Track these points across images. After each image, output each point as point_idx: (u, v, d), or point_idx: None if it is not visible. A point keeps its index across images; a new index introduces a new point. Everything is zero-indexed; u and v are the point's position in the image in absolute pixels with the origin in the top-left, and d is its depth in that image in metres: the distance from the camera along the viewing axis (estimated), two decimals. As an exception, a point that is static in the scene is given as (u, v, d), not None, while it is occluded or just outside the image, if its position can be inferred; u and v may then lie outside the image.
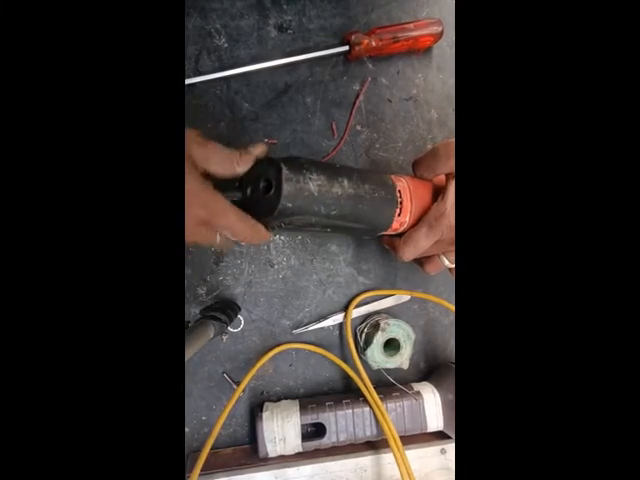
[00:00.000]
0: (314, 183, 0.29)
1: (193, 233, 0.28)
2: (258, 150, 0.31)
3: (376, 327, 0.43)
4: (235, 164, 0.29)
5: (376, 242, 0.46)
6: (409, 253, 0.35)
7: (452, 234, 0.32)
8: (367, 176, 0.32)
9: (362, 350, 0.43)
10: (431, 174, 0.35)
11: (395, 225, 0.34)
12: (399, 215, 0.34)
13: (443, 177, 0.35)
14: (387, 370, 0.43)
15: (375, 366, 0.42)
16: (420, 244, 0.34)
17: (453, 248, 0.35)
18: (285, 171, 0.28)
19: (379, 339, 0.42)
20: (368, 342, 0.43)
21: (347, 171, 0.32)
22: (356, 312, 0.46)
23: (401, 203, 0.34)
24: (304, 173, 0.29)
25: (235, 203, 0.30)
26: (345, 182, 0.30)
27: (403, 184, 0.34)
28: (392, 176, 0.35)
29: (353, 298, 0.45)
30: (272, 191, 0.28)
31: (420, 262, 0.40)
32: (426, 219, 0.33)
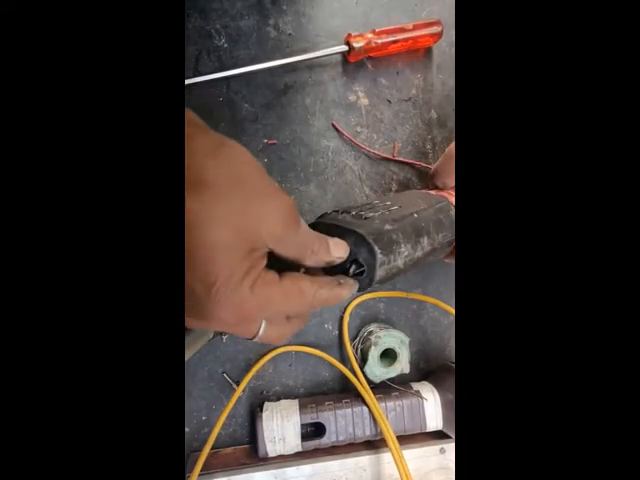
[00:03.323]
0: (402, 256, 0.27)
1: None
2: (339, 252, 0.25)
3: (368, 342, 0.43)
4: (308, 254, 0.23)
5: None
6: None
7: None
8: (439, 221, 0.31)
9: (361, 367, 0.43)
10: (453, 179, 0.32)
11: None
12: None
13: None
14: (391, 379, 0.43)
15: (378, 380, 0.43)
16: None
17: None
18: (380, 256, 0.25)
19: (374, 354, 0.42)
20: (364, 359, 0.43)
21: (425, 221, 0.30)
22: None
23: None
24: (394, 250, 0.26)
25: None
26: (425, 241, 0.29)
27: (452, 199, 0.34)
28: (447, 197, 0.34)
29: (351, 301, 0.45)
30: (364, 275, 0.26)
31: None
32: None
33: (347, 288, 0.25)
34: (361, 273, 0.26)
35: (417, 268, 0.31)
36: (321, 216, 0.30)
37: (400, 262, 0.27)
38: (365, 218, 0.28)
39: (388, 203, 0.31)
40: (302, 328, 0.28)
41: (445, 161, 0.33)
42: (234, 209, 0.19)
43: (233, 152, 0.20)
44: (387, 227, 0.27)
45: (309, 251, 0.23)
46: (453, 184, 0.33)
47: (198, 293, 0.19)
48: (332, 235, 0.26)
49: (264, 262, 0.21)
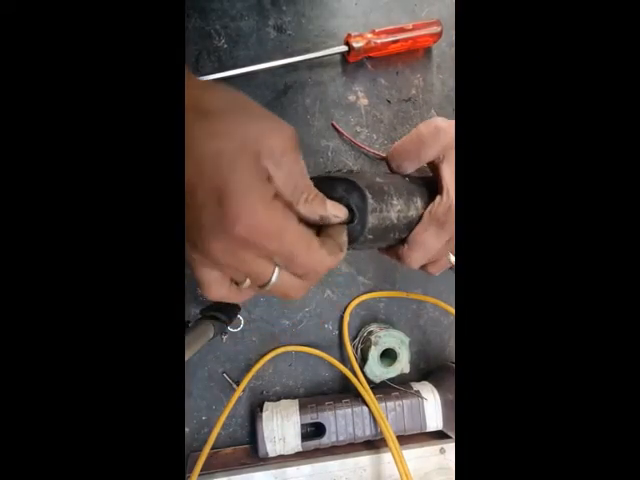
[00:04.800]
0: (395, 209, 0.27)
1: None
2: (336, 211, 0.24)
3: (368, 342, 0.43)
4: (303, 199, 0.22)
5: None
6: (418, 259, 0.29)
7: None
8: (431, 184, 0.30)
9: (361, 367, 0.43)
10: (415, 163, 0.29)
11: None
12: None
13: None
14: (391, 379, 0.43)
15: (378, 380, 0.43)
16: (430, 246, 0.28)
17: None
18: (370, 201, 0.25)
19: (374, 354, 0.42)
20: (364, 359, 0.43)
21: (417, 186, 0.29)
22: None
23: None
24: (386, 200, 0.26)
25: None
26: (418, 202, 0.28)
27: None
28: None
29: (350, 301, 0.45)
30: (355, 221, 0.25)
31: (423, 265, 0.35)
32: (432, 217, 0.28)
33: (343, 246, 0.24)
34: (352, 221, 0.25)
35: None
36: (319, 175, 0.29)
37: (393, 215, 0.27)
38: (357, 172, 0.28)
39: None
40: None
41: (411, 142, 0.29)
42: (238, 124, 0.19)
43: (226, 88, 0.21)
44: (378, 179, 0.27)
45: (304, 195, 0.22)
46: (409, 169, 0.30)
47: (209, 209, 0.19)
48: (324, 186, 0.25)
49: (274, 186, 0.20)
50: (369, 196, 0.25)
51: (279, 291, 0.23)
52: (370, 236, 0.26)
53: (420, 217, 0.28)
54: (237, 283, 0.23)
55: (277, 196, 0.20)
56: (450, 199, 0.27)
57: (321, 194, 0.23)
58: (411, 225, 0.28)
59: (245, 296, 0.24)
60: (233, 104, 0.20)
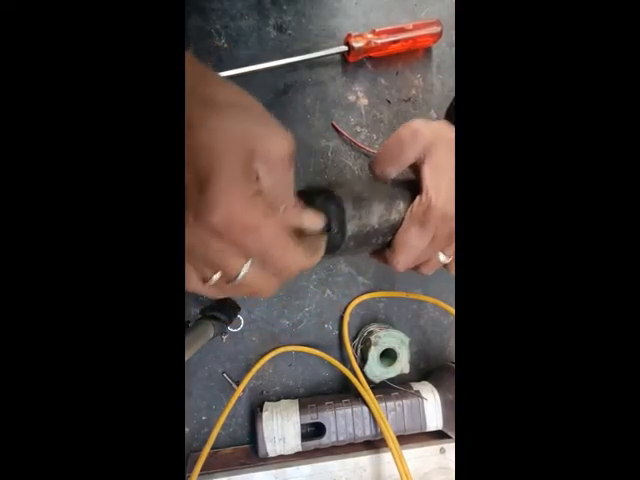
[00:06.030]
0: (375, 215, 0.27)
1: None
2: (311, 221, 0.25)
3: (368, 342, 0.43)
4: (282, 207, 0.22)
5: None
6: (403, 261, 0.29)
7: (449, 225, 0.28)
8: (415, 185, 0.29)
9: (361, 367, 0.43)
10: (396, 166, 0.29)
11: None
12: None
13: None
14: (391, 379, 0.43)
15: (378, 380, 0.43)
16: (414, 247, 0.29)
17: (451, 241, 0.30)
18: (349, 209, 0.25)
19: (374, 354, 0.42)
20: (364, 359, 0.43)
21: (400, 189, 0.29)
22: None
23: None
24: (365, 206, 0.26)
25: None
26: (401, 205, 0.28)
27: None
28: None
29: (350, 301, 0.45)
30: (334, 230, 0.26)
31: (415, 267, 0.34)
32: (413, 217, 0.28)
33: (320, 250, 0.25)
34: (333, 229, 0.26)
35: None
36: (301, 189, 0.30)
37: (374, 220, 0.27)
38: (336, 183, 0.28)
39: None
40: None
41: (391, 147, 0.29)
42: (239, 121, 0.20)
43: (239, 89, 0.21)
44: (358, 187, 0.28)
45: (283, 204, 0.22)
46: (393, 174, 0.30)
47: (190, 195, 0.19)
48: (305, 198, 0.25)
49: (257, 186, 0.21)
50: (347, 205, 0.25)
51: (247, 288, 0.23)
52: (351, 243, 0.26)
53: (403, 219, 0.28)
54: (205, 280, 0.22)
55: (260, 195, 0.20)
56: (429, 198, 0.27)
57: (300, 206, 0.24)
58: (395, 228, 0.28)
59: (212, 292, 0.24)
60: (240, 102, 0.21)
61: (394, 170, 0.29)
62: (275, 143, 0.20)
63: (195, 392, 0.43)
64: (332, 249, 0.26)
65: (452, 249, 0.31)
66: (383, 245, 0.30)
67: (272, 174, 0.20)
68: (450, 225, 0.28)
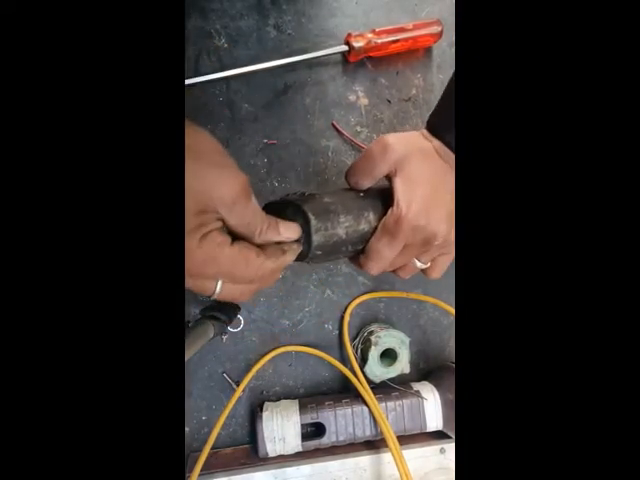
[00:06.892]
0: (342, 226, 0.28)
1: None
2: (289, 233, 0.27)
3: (368, 342, 0.43)
4: (257, 233, 0.25)
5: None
6: (375, 267, 0.31)
7: (420, 235, 0.29)
8: (385, 196, 0.31)
9: (361, 367, 0.43)
10: (369, 179, 0.30)
11: None
12: None
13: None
14: (391, 379, 0.43)
15: (378, 380, 0.43)
16: (384, 255, 0.30)
17: (426, 249, 0.31)
18: (314, 222, 0.27)
19: (374, 354, 0.42)
20: (364, 359, 0.43)
21: (371, 200, 0.30)
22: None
23: None
24: (331, 218, 0.28)
25: None
26: (370, 216, 0.29)
27: None
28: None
29: (351, 301, 0.45)
30: (302, 241, 0.28)
31: (393, 270, 0.35)
32: (384, 228, 0.29)
33: (291, 253, 0.27)
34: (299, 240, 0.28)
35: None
36: (275, 200, 0.31)
37: (341, 231, 0.28)
38: (308, 195, 0.30)
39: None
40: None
41: (362, 160, 0.31)
42: (189, 177, 0.21)
43: (195, 130, 0.23)
44: (326, 200, 0.29)
45: (257, 230, 0.25)
46: (366, 185, 0.31)
47: None
48: (275, 211, 0.28)
49: (218, 224, 0.23)
50: (312, 218, 0.27)
51: (227, 298, 0.26)
52: (318, 252, 0.28)
53: (375, 228, 0.30)
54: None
55: (219, 230, 0.24)
56: (400, 210, 0.29)
57: (274, 222, 0.26)
58: (365, 237, 0.30)
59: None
60: (192, 147, 0.22)
61: (367, 182, 0.31)
62: (227, 186, 0.23)
63: (195, 392, 0.43)
64: (301, 258, 0.28)
65: (429, 256, 0.32)
66: (356, 252, 0.31)
67: (233, 213, 0.23)
68: (423, 235, 0.30)
